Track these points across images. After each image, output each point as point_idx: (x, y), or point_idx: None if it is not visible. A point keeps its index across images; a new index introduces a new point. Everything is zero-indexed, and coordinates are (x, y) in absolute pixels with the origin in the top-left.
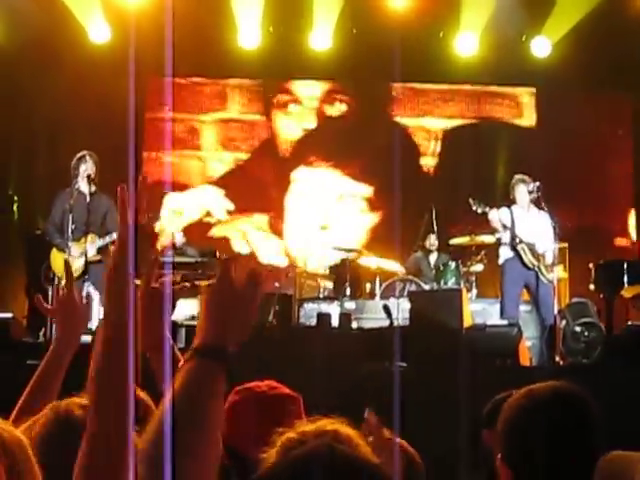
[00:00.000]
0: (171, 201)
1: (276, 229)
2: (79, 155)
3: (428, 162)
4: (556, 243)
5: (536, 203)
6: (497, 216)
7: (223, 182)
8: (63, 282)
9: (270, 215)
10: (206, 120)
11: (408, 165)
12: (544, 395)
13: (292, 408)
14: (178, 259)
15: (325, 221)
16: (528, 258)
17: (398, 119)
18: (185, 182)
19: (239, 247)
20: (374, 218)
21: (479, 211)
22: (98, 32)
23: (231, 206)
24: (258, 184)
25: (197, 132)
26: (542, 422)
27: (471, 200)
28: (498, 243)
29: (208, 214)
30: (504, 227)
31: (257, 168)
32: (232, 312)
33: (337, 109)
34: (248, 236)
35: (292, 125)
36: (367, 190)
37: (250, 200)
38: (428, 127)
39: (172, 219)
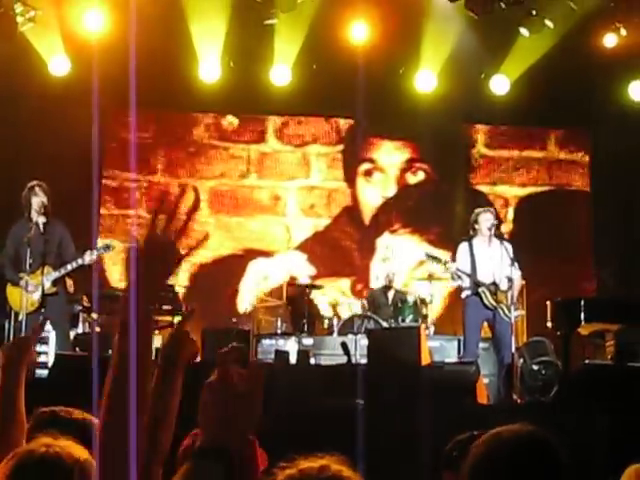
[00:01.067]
0: (257, 266)
1: (360, 293)
2: (29, 185)
3: (505, 229)
4: (515, 276)
5: (497, 235)
6: (455, 268)
7: (305, 247)
8: (20, 317)
9: (353, 279)
10: (290, 187)
11: None
12: (510, 440)
13: (247, 451)
14: None
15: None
16: (488, 300)
17: (477, 186)
18: (269, 248)
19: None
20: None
21: (434, 264)
22: (58, 65)
23: (314, 271)
24: (339, 249)
25: (280, 199)
26: (509, 468)
27: (425, 255)
28: (460, 288)
29: (292, 279)
30: (460, 276)
31: (338, 233)
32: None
33: (417, 177)
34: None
35: (374, 192)
36: (445, 255)
37: (332, 265)
38: (503, 194)
39: (259, 284)
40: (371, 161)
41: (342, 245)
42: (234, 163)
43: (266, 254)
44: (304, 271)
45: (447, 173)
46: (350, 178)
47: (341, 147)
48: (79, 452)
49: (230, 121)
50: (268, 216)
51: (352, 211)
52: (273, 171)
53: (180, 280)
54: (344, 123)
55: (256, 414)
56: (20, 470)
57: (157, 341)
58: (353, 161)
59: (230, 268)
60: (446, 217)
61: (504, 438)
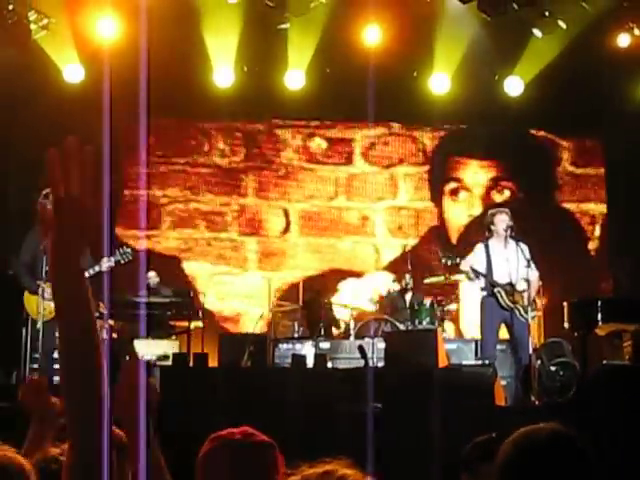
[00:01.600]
0: (348, 286)
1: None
2: (46, 192)
3: (592, 246)
4: (532, 277)
5: (512, 236)
6: (468, 267)
7: (393, 267)
8: (38, 324)
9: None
10: (377, 208)
11: (575, 249)
12: (542, 437)
13: (267, 456)
14: (152, 299)
15: None
16: (504, 301)
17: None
18: (358, 268)
19: None
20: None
21: (449, 264)
22: (72, 72)
23: None
24: (428, 269)
25: (368, 219)
26: (542, 465)
27: (440, 254)
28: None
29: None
30: (477, 275)
31: (426, 253)
32: None
33: (503, 195)
34: None
35: (460, 212)
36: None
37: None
38: (589, 211)
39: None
40: (457, 180)
41: (430, 265)
42: (323, 185)
43: (355, 274)
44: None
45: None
46: (436, 198)
47: (427, 167)
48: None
49: (318, 143)
50: (357, 237)
51: (439, 230)
52: (361, 192)
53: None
54: (430, 144)
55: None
56: None
57: (174, 346)
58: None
59: (320, 288)
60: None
61: (536, 436)
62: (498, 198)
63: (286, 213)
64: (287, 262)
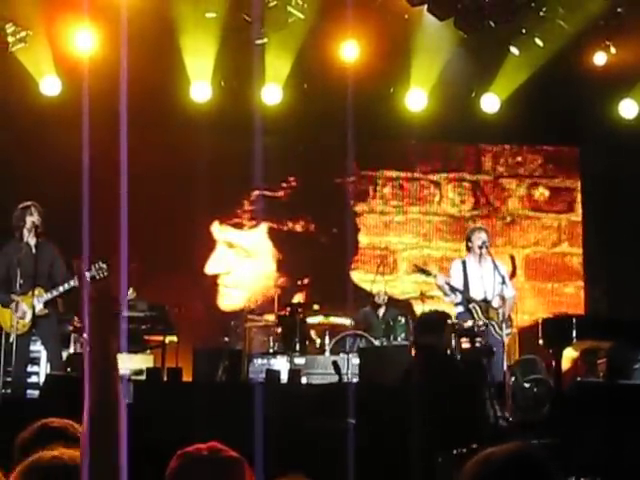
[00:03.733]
0: None
1: None
2: (23, 205)
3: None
4: (508, 294)
5: (488, 253)
6: (443, 281)
7: None
8: (11, 338)
9: None
10: None
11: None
12: (500, 459)
13: (235, 471)
14: (129, 313)
15: None
16: (479, 316)
17: None
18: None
19: None
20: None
21: (424, 277)
22: (49, 85)
23: None
24: None
25: None
26: None
27: (415, 267)
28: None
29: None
30: (453, 290)
31: None
32: None
33: None
34: None
35: None
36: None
37: None
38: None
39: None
40: None
41: None
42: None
43: None
44: None
45: None
46: None
47: None
48: None
49: (541, 192)
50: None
51: None
52: None
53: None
54: None
55: None
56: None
57: (149, 361)
58: None
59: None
60: None
61: (494, 457)
62: None
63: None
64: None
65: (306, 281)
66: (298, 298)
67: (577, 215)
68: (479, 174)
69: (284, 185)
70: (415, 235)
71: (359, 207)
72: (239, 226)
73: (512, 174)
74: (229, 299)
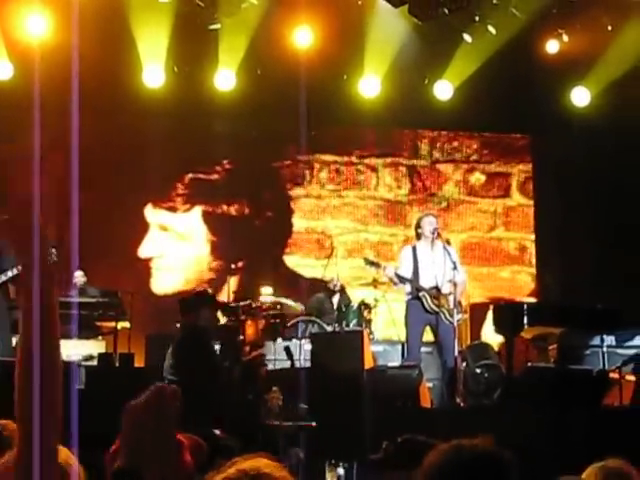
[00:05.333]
0: None
1: None
2: None
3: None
4: (459, 279)
5: (440, 239)
6: (392, 272)
7: None
8: None
9: None
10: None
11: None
12: (467, 455)
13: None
14: (80, 299)
15: None
16: (429, 305)
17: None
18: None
19: None
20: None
21: (373, 269)
22: (1, 69)
23: None
24: None
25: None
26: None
27: (364, 260)
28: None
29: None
30: (402, 280)
31: None
32: None
33: None
34: None
35: None
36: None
37: None
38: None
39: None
40: None
41: None
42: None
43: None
44: None
45: None
46: None
47: None
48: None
49: (477, 177)
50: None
51: None
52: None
53: None
54: None
55: None
56: None
57: (101, 347)
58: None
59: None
60: None
61: (462, 452)
62: None
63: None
64: None
65: (240, 264)
66: (232, 281)
67: (513, 200)
68: (415, 159)
69: (218, 168)
70: (352, 219)
71: (295, 191)
72: (173, 209)
73: (448, 159)
74: (162, 282)
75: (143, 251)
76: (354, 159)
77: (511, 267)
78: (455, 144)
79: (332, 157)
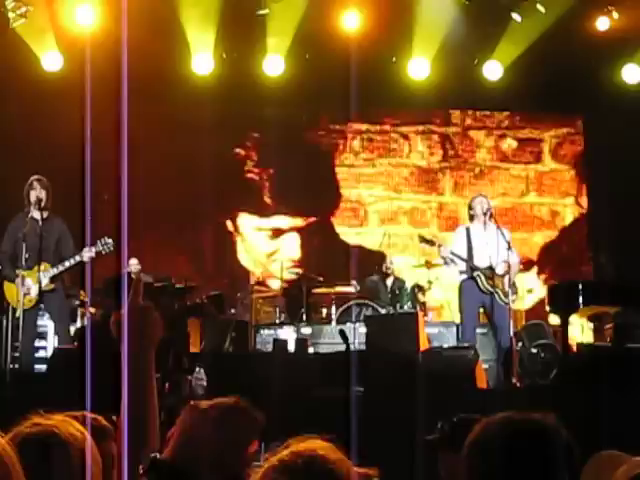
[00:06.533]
0: None
1: None
2: (29, 181)
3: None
4: (513, 260)
5: (492, 219)
6: (447, 251)
7: None
8: (18, 313)
9: None
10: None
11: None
12: (531, 427)
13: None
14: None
15: None
16: (483, 285)
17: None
18: None
19: None
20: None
21: (428, 247)
22: (51, 61)
23: None
24: None
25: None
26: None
27: (419, 238)
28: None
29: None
30: (457, 258)
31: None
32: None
33: None
34: None
35: None
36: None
37: None
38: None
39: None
40: None
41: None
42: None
43: None
44: None
45: None
46: None
47: None
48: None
49: (509, 143)
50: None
51: None
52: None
53: None
54: None
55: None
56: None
57: None
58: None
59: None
60: None
61: (526, 424)
62: None
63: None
64: None
65: None
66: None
67: (545, 165)
68: (447, 126)
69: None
70: (385, 187)
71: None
72: None
73: (480, 126)
74: None
75: None
76: (386, 127)
77: (543, 232)
78: (487, 112)
79: (365, 126)
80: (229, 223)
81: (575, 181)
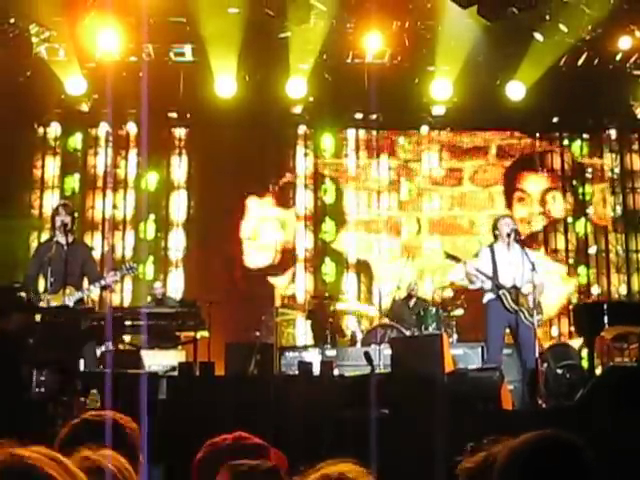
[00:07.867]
0: None
1: None
2: (55, 206)
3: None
4: (538, 281)
5: (517, 240)
6: (473, 268)
7: None
8: None
9: None
10: None
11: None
12: (531, 443)
13: (259, 457)
14: (158, 310)
15: None
16: (509, 303)
17: None
18: None
19: None
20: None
21: (454, 263)
22: (75, 85)
23: None
24: None
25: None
26: (529, 470)
27: (444, 254)
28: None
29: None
30: (483, 276)
31: None
32: None
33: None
34: None
35: None
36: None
37: None
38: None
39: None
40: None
41: None
42: None
43: None
44: None
45: None
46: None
47: None
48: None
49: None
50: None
51: None
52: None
53: None
54: None
55: None
56: None
57: (181, 357)
58: None
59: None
60: None
61: (532, 443)
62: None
63: None
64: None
65: None
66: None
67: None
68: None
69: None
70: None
71: None
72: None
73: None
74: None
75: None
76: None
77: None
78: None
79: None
80: None
81: None
